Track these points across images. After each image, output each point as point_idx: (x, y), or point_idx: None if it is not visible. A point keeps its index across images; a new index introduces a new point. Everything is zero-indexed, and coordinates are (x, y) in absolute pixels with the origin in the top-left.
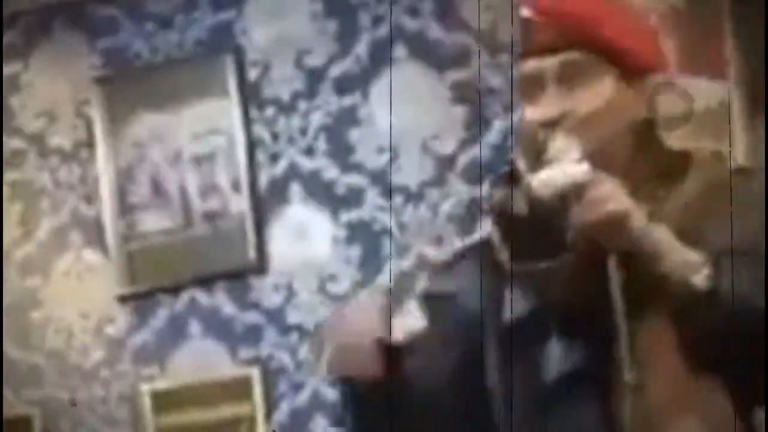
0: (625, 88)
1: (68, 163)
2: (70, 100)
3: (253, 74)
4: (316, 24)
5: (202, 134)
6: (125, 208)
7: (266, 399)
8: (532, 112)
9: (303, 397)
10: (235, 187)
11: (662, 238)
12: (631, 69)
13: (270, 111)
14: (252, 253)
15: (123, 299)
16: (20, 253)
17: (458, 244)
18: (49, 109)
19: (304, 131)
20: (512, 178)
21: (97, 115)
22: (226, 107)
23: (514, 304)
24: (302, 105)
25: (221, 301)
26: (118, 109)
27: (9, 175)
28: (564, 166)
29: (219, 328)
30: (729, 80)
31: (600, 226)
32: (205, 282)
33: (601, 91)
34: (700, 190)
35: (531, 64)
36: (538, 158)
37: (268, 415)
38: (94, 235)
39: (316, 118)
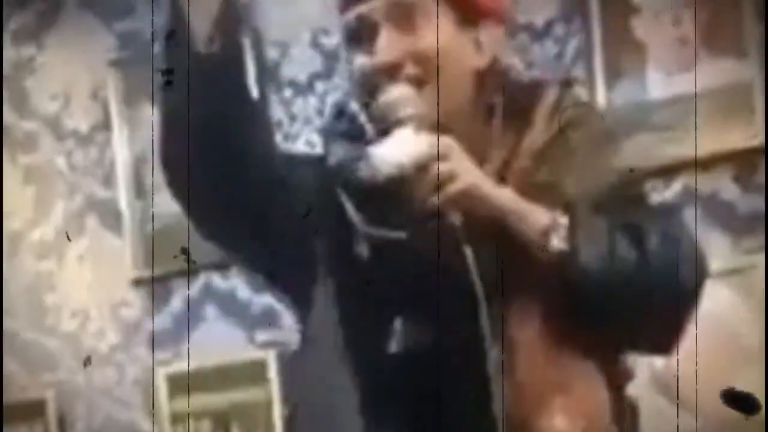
0: (462, 34)
1: (84, 146)
2: (86, 82)
3: (270, 55)
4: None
5: None
6: (141, 191)
7: (282, 383)
8: (367, 60)
9: None
10: None
11: (513, 202)
12: (468, 13)
13: (287, 92)
14: None
15: (138, 282)
16: (35, 236)
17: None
18: (64, 92)
19: (320, 112)
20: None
21: (113, 97)
22: None
23: (360, 252)
24: (319, 86)
25: (236, 284)
26: (134, 92)
27: (23, 159)
28: (402, 137)
29: (234, 311)
30: (751, 59)
31: (445, 206)
32: (221, 265)
33: (438, 35)
34: (551, 134)
35: (360, 7)
36: (375, 111)
37: (284, 399)
38: (110, 218)
39: (332, 100)
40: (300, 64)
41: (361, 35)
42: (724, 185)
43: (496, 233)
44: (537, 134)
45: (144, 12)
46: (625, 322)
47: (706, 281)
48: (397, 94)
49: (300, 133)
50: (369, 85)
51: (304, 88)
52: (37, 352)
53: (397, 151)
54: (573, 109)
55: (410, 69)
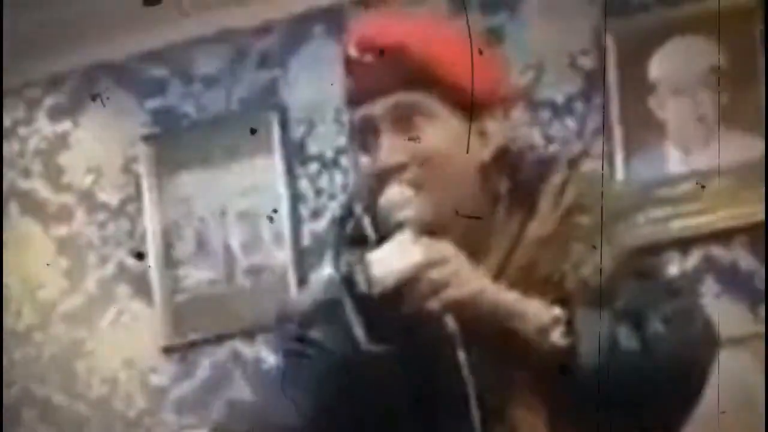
0: (465, 129)
1: (116, 218)
2: (119, 157)
3: (297, 131)
4: None
5: (246, 190)
6: (171, 262)
7: None
8: (368, 162)
9: None
10: (278, 241)
11: (511, 302)
12: (468, 109)
13: (313, 167)
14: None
15: (167, 350)
16: (67, 304)
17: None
18: (98, 166)
19: (345, 187)
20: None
21: (144, 171)
22: (270, 164)
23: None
24: (344, 161)
25: (263, 352)
26: (165, 166)
27: (57, 230)
28: (399, 242)
29: (262, 379)
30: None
31: (441, 312)
32: (248, 334)
33: (442, 134)
34: (555, 221)
35: (362, 110)
36: (377, 214)
37: None
38: (141, 287)
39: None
40: (326, 139)
41: (364, 137)
42: (742, 256)
43: (493, 334)
44: (541, 222)
45: (175, 90)
46: (630, 411)
47: (716, 356)
48: (395, 196)
49: (325, 206)
50: (371, 188)
51: (329, 163)
52: (68, 417)
53: (393, 257)
54: (580, 191)
55: (413, 171)
